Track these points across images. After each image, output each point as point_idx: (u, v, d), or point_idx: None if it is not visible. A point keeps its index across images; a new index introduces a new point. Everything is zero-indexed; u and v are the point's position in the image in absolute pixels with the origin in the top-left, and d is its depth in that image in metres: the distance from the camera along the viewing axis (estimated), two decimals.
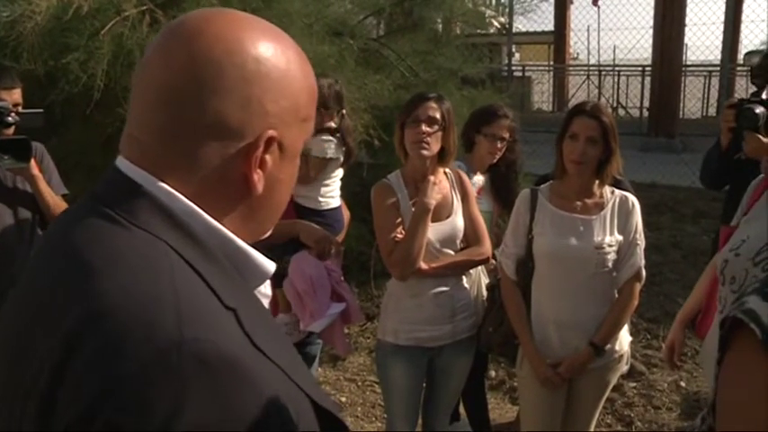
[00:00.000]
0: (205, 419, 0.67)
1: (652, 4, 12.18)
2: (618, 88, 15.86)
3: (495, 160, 3.29)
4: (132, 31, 3.90)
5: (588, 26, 23.58)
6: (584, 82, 16.40)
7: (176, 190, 0.80)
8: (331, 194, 2.93)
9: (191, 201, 0.81)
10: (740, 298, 1.00)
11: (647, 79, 13.47)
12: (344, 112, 2.89)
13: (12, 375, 0.77)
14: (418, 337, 2.73)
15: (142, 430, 0.66)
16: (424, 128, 2.61)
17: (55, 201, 2.72)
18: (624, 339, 2.72)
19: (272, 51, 0.83)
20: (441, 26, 6.43)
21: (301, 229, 2.78)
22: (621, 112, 14.77)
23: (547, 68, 18.04)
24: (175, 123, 0.80)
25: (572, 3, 17.87)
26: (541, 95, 17.63)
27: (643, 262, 2.64)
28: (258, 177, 0.83)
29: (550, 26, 17.53)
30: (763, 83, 3.10)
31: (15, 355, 0.77)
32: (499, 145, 3.24)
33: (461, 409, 3.57)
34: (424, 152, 2.63)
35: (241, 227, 0.85)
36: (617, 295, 2.63)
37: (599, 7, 17.26)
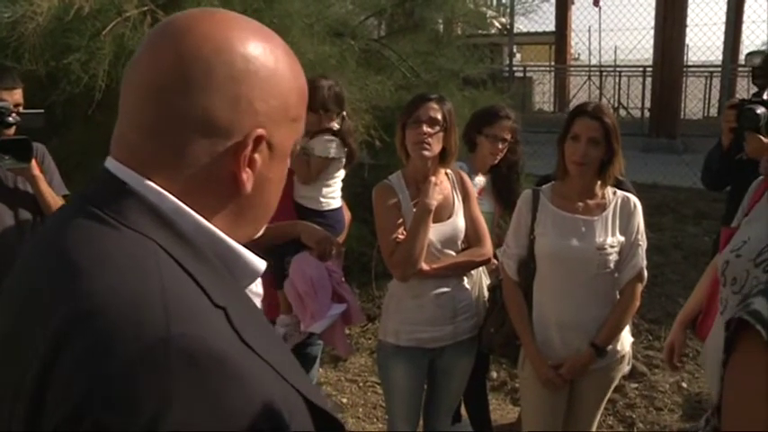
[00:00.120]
0: (194, 416, 0.67)
1: (653, 4, 12.18)
2: (619, 89, 15.85)
3: (496, 161, 3.29)
4: (133, 31, 3.90)
5: (589, 27, 23.55)
6: (585, 82, 16.39)
7: (165, 189, 0.80)
8: (332, 195, 2.93)
9: (179, 199, 0.81)
10: (746, 299, 1.00)
11: (649, 80, 13.46)
12: (345, 113, 2.88)
13: (0, 377, 0.77)
14: (419, 338, 2.73)
15: (130, 428, 0.66)
16: (426, 128, 2.61)
17: (56, 201, 2.72)
18: (626, 340, 2.72)
19: (260, 50, 0.84)
20: (442, 27, 6.43)
21: (302, 229, 2.78)
22: (623, 112, 14.75)
23: (548, 69, 18.03)
24: (164, 122, 0.80)
25: (573, 3, 17.85)
26: (542, 96, 17.62)
27: (645, 263, 2.63)
28: (247, 176, 0.83)
29: (551, 27, 17.52)
30: (765, 83, 3.09)
31: (3, 356, 0.77)
32: (501, 146, 3.24)
33: (463, 410, 3.56)
34: (426, 153, 2.63)
35: (231, 226, 0.85)
36: (618, 296, 2.63)
37: (600, 8, 17.27)
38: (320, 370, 3.93)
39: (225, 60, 0.81)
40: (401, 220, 2.69)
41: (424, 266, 2.65)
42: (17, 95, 2.70)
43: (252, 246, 0.92)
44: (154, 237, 0.77)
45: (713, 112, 15.15)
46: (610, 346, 2.61)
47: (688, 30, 12.25)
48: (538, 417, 2.74)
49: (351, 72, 4.57)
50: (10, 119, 2.57)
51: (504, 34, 12.38)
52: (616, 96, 15.67)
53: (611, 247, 2.56)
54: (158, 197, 0.80)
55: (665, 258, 6.22)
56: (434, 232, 2.67)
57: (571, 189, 2.62)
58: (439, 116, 2.64)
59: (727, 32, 12.22)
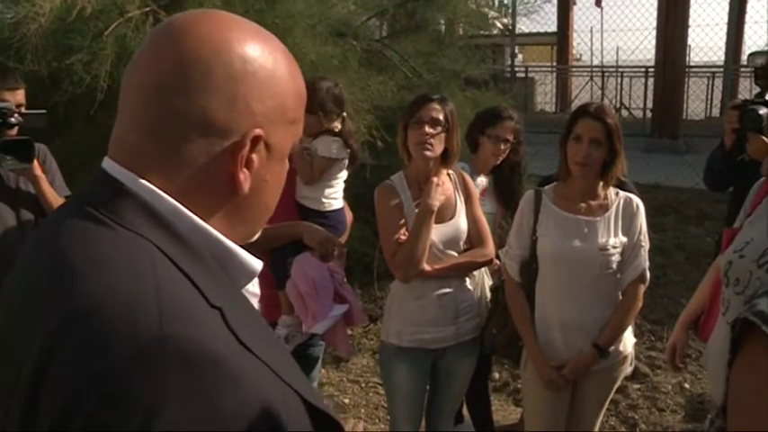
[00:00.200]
0: (188, 416, 0.67)
1: (655, 5, 12.19)
2: (621, 89, 15.84)
3: (498, 162, 3.29)
4: (135, 32, 3.90)
5: (591, 27, 23.61)
6: (587, 83, 16.38)
7: (162, 189, 0.80)
8: (334, 196, 2.93)
9: (176, 199, 0.81)
10: (751, 300, 1.00)
11: (651, 80, 13.46)
12: (345, 114, 2.88)
13: None
14: (422, 339, 2.73)
15: (124, 426, 0.66)
16: (428, 129, 2.61)
17: (58, 202, 2.72)
18: (628, 341, 2.71)
19: (258, 52, 0.84)
20: (444, 27, 6.43)
21: (304, 230, 2.77)
22: (625, 113, 14.74)
23: (550, 69, 18.03)
24: (162, 122, 0.80)
25: (575, 4, 17.86)
26: (544, 96, 17.62)
27: (647, 264, 2.63)
28: (244, 177, 0.83)
29: (553, 27, 17.53)
30: (767, 84, 3.09)
31: (1, 355, 0.78)
32: (503, 147, 3.24)
33: (465, 411, 3.56)
34: (428, 153, 2.63)
35: (228, 227, 0.86)
36: (621, 297, 2.62)
37: (602, 8, 17.26)
38: (322, 371, 3.92)
39: (223, 61, 0.81)
40: (403, 221, 2.69)
41: (427, 267, 2.65)
42: (19, 96, 2.70)
43: (253, 246, 0.92)
44: (150, 237, 0.77)
45: (715, 112, 15.13)
46: (612, 347, 2.61)
47: (690, 30, 12.25)
48: (540, 417, 2.73)
49: (353, 72, 4.57)
50: (12, 119, 2.57)
51: (506, 35, 12.38)
52: (618, 97, 15.66)
53: (614, 247, 2.56)
54: (154, 197, 0.80)
55: (667, 259, 6.22)
56: (436, 233, 2.67)
57: (573, 190, 2.62)
58: (441, 117, 2.63)
59: (729, 33, 12.22)
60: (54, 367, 0.69)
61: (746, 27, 15.79)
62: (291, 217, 2.80)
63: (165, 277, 0.74)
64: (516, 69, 14.58)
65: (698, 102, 15.46)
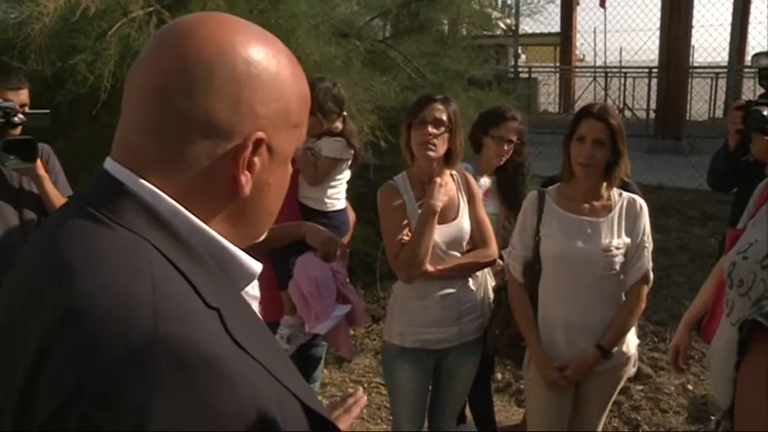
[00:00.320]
0: (181, 417, 0.67)
1: (659, 5, 12.17)
2: (624, 90, 15.83)
3: (502, 162, 3.28)
4: (139, 32, 3.91)
5: (595, 28, 23.61)
6: (590, 84, 16.37)
7: (163, 190, 0.80)
8: (337, 196, 2.93)
9: (177, 201, 0.81)
10: (759, 302, 1.00)
11: (654, 81, 13.45)
12: (345, 114, 2.88)
13: None
14: (424, 340, 2.73)
15: (117, 426, 0.66)
16: (431, 129, 2.61)
17: (61, 202, 2.72)
18: (631, 342, 2.71)
19: (262, 54, 0.84)
20: (447, 28, 6.43)
21: (307, 230, 2.78)
22: (628, 114, 14.73)
23: (553, 70, 18.02)
24: (165, 123, 0.80)
25: (578, 4, 17.85)
26: (548, 97, 17.62)
27: (650, 265, 2.63)
28: (246, 179, 0.83)
29: (557, 28, 17.52)
30: None
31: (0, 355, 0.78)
32: (506, 147, 3.23)
33: (467, 412, 3.56)
34: (431, 154, 2.63)
35: (230, 230, 0.86)
36: (624, 298, 2.62)
37: (605, 9, 17.23)
38: (325, 371, 3.93)
39: (227, 63, 0.81)
40: (406, 222, 2.69)
41: (429, 268, 2.65)
42: (23, 96, 2.71)
43: (256, 246, 0.92)
44: (148, 237, 0.77)
45: (719, 113, 15.13)
46: (615, 348, 2.60)
47: (694, 31, 12.25)
48: (543, 418, 2.73)
49: (356, 73, 4.57)
50: (16, 119, 2.57)
51: (510, 35, 12.39)
52: (621, 97, 15.65)
53: (617, 248, 2.55)
54: (155, 198, 0.80)
55: (670, 260, 6.21)
56: (439, 233, 2.66)
57: (577, 190, 2.62)
58: (444, 117, 2.63)
59: (733, 33, 12.21)
60: (48, 366, 0.69)
61: (750, 28, 15.78)
62: (294, 217, 2.80)
63: (162, 277, 0.74)
64: (519, 70, 14.59)
65: (701, 102, 15.44)
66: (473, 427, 3.55)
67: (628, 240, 2.57)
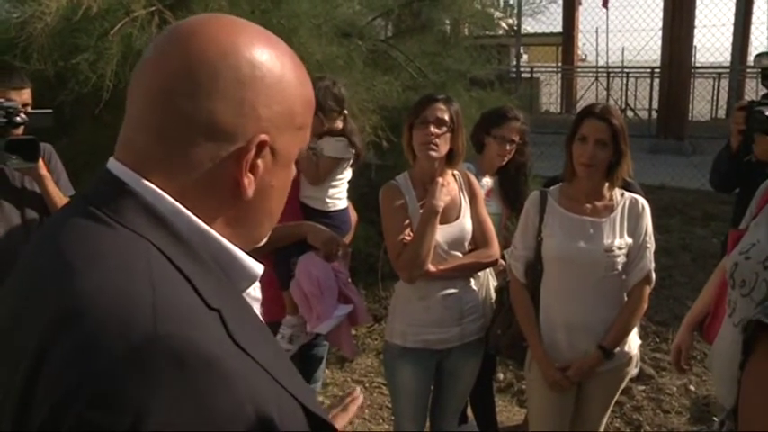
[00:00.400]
0: (179, 417, 0.67)
1: (661, 5, 12.15)
2: (626, 90, 15.82)
3: (504, 162, 3.28)
4: (141, 31, 3.91)
5: (597, 28, 23.57)
6: (592, 84, 16.36)
7: (164, 190, 0.80)
8: (338, 196, 2.93)
9: (179, 201, 0.81)
10: (764, 301, 1.00)
11: (656, 81, 13.44)
12: (346, 113, 2.87)
13: None
14: (426, 340, 2.73)
15: (115, 426, 0.66)
16: (433, 129, 2.61)
17: (63, 201, 2.72)
18: (633, 342, 2.70)
19: (267, 56, 0.84)
20: (449, 28, 6.43)
21: (308, 230, 2.77)
22: (630, 114, 14.72)
23: (555, 70, 18.01)
24: (169, 124, 0.80)
25: (580, 4, 17.84)
26: (549, 97, 17.60)
27: (653, 265, 2.62)
28: (249, 182, 0.83)
29: (559, 28, 17.51)
30: None
31: (0, 355, 0.78)
32: (508, 147, 3.23)
33: (469, 412, 3.56)
34: (433, 154, 2.63)
35: (232, 232, 0.85)
36: (626, 298, 2.62)
37: (607, 9, 17.22)
38: (326, 371, 3.93)
39: (231, 64, 0.81)
40: (408, 222, 2.69)
41: (431, 268, 2.65)
42: (26, 95, 2.71)
43: (258, 247, 0.92)
44: (148, 236, 0.77)
45: (721, 113, 15.12)
46: (617, 349, 2.60)
47: (696, 31, 12.23)
48: (544, 419, 2.73)
49: (358, 73, 4.57)
50: (18, 119, 2.57)
51: (512, 35, 12.38)
52: (623, 98, 15.64)
53: (619, 249, 2.55)
54: (156, 198, 0.80)
55: (672, 260, 6.21)
56: (441, 233, 2.66)
57: (579, 191, 2.61)
58: (446, 117, 2.63)
59: (735, 33, 12.19)
60: (48, 365, 0.69)
61: (753, 28, 15.77)
62: (295, 217, 2.80)
63: (162, 277, 0.74)
64: (521, 70, 14.58)
65: (704, 103, 15.44)
66: (475, 428, 3.55)
67: (630, 241, 2.57)
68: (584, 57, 20.77)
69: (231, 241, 0.84)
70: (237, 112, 0.81)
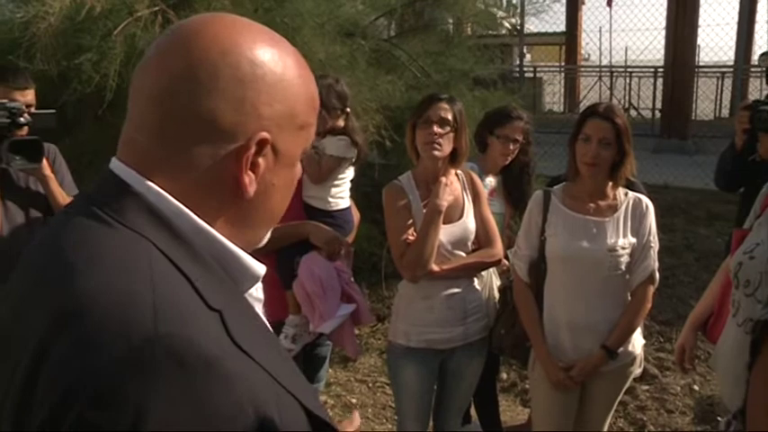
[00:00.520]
0: (177, 417, 0.67)
1: (665, 4, 12.13)
2: (630, 89, 15.79)
3: (507, 162, 3.28)
4: (144, 31, 3.91)
5: (600, 27, 23.50)
6: (595, 83, 16.32)
7: (167, 190, 0.80)
8: (341, 195, 2.92)
9: (181, 201, 0.80)
10: None
11: (660, 80, 13.42)
12: (349, 111, 2.87)
13: None
14: (429, 340, 2.72)
15: (114, 425, 0.66)
16: (436, 129, 2.60)
17: (67, 201, 2.72)
18: (637, 342, 2.70)
19: (268, 55, 0.83)
20: (452, 27, 6.42)
21: (311, 230, 2.77)
22: (633, 113, 14.69)
23: (558, 69, 17.99)
24: (169, 123, 0.80)
25: (584, 3, 17.81)
26: (553, 96, 17.57)
27: (656, 264, 2.62)
28: (249, 180, 0.83)
29: (562, 27, 17.48)
30: None
31: (1, 354, 0.78)
32: (512, 147, 3.23)
33: (473, 412, 3.56)
34: (436, 153, 2.63)
35: (234, 231, 0.85)
36: (630, 298, 2.61)
37: (611, 8, 17.18)
38: (330, 370, 3.93)
39: (231, 63, 0.80)
40: (411, 221, 2.68)
41: (435, 267, 2.65)
42: (29, 96, 2.71)
43: (260, 247, 0.91)
44: (150, 236, 0.77)
45: (725, 113, 15.08)
46: (621, 349, 2.59)
47: (700, 30, 12.18)
48: (548, 418, 2.72)
49: (361, 72, 4.57)
50: (22, 119, 2.57)
51: (515, 35, 12.34)
52: (627, 97, 15.61)
53: (623, 248, 2.54)
54: (159, 198, 0.80)
55: (676, 260, 6.19)
56: (445, 233, 2.66)
57: (582, 190, 2.61)
58: (449, 116, 2.63)
59: (739, 33, 12.16)
60: (47, 365, 0.69)
61: (757, 27, 15.73)
62: (298, 216, 2.79)
63: (162, 277, 0.74)
64: (524, 69, 14.55)
65: (707, 102, 15.39)
66: (478, 427, 3.55)
67: (633, 240, 2.56)
68: (587, 56, 20.73)
69: (233, 241, 0.84)
70: (238, 111, 0.80)
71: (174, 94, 0.80)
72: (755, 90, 13.14)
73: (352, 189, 2.99)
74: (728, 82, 15.09)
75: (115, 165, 0.83)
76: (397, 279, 2.89)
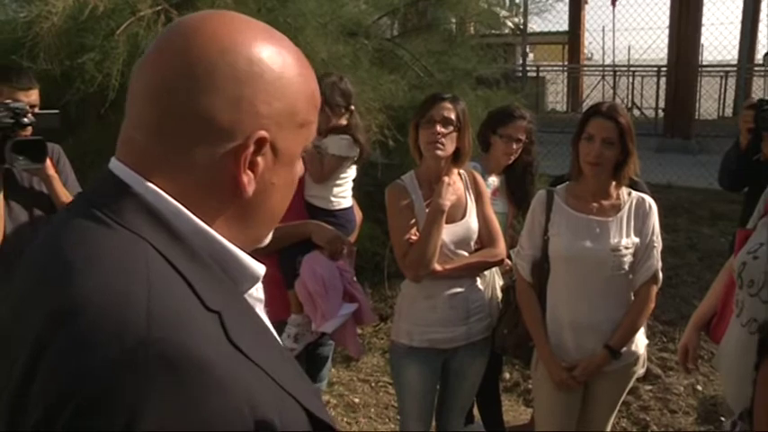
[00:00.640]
0: (171, 420, 0.66)
1: (668, 3, 12.10)
2: (633, 89, 15.76)
3: (510, 161, 3.27)
4: (147, 31, 3.92)
5: (603, 26, 23.47)
6: (598, 82, 16.31)
7: (165, 190, 0.79)
8: (343, 194, 2.92)
9: (180, 201, 0.80)
10: None
11: (663, 80, 13.39)
12: (353, 108, 2.86)
13: None
14: (432, 339, 2.72)
15: (106, 427, 0.65)
16: (439, 128, 2.60)
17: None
18: (640, 342, 2.69)
19: (267, 53, 0.83)
20: (455, 26, 6.43)
21: (313, 229, 2.77)
22: (636, 112, 14.67)
23: (561, 69, 17.97)
24: (167, 120, 0.79)
25: (587, 2, 17.78)
26: (556, 96, 17.55)
27: (660, 264, 2.61)
28: (248, 179, 0.82)
29: (565, 26, 17.46)
30: None
31: (1, 354, 0.78)
32: (515, 146, 3.22)
33: (475, 411, 3.55)
34: (439, 153, 2.62)
35: (234, 231, 0.84)
36: (633, 298, 2.61)
37: (614, 7, 17.16)
38: (332, 370, 3.93)
39: (229, 61, 0.80)
40: (414, 221, 2.68)
41: (437, 267, 2.64)
42: (33, 96, 2.71)
43: (262, 246, 0.91)
44: (147, 237, 0.76)
45: (728, 112, 15.06)
46: (624, 348, 2.59)
47: (703, 29, 12.18)
48: (551, 418, 2.72)
49: (364, 71, 4.57)
50: (25, 119, 2.58)
51: (518, 34, 12.35)
52: (630, 96, 15.58)
53: (626, 248, 2.54)
54: (158, 198, 0.79)
55: (680, 260, 6.18)
56: (447, 233, 2.66)
57: (585, 190, 2.61)
58: (452, 116, 2.63)
59: (743, 32, 12.14)
60: (43, 364, 0.69)
61: (761, 26, 15.67)
62: (300, 216, 2.79)
63: (159, 278, 0.73)
64: (527, 68, 14.54)
65: (711, 101, 15.36)
66: (481, 427, 3.55)
67: (637, 240, 2.56)
68: (590, 55, 20.71)
69: (233, 241, 0.83)
70: (235, 109, 0.80)
71: (172, 91, 0.79)
72: (759, 89, 13.13)
73: (354, 188, 2.99)
74: (732, 81, 15.06)
75: (114, 165, 0.83)
76: (400, 278, 2.89)
